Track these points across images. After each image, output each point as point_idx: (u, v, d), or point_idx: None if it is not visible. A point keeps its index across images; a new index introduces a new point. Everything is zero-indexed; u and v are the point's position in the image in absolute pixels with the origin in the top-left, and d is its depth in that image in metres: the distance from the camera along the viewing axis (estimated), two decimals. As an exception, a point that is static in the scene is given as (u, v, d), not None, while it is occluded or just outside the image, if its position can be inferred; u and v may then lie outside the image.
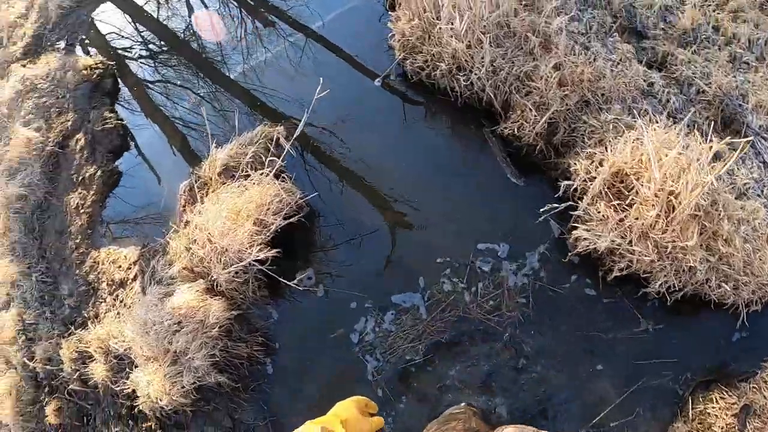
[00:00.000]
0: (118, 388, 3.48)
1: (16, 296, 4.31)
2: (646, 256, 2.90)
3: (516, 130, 3.51)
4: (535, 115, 3.39)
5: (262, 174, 3.40)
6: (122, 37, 5.70)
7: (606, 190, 3.08)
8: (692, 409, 2.79)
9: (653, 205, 2.88)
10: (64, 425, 3.79)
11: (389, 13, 4.38)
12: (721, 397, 2.78)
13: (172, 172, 4.43)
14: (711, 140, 2.98)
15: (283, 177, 3.56)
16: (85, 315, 3.94)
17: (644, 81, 3.63)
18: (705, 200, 2.87)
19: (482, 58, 3.53)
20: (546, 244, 3.31)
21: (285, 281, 3.23)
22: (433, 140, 3.94)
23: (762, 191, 3.24)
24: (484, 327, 3.11)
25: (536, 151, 3.52)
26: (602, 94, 3.49)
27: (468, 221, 3.49)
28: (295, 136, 3.51)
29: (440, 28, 3.63)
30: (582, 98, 3.47)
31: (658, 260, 2.91)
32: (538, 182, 3.55)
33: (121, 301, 3.79)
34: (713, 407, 2.76)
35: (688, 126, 3.26)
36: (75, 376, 3.74)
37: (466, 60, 3.63)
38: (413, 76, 4.04)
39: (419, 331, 3.15)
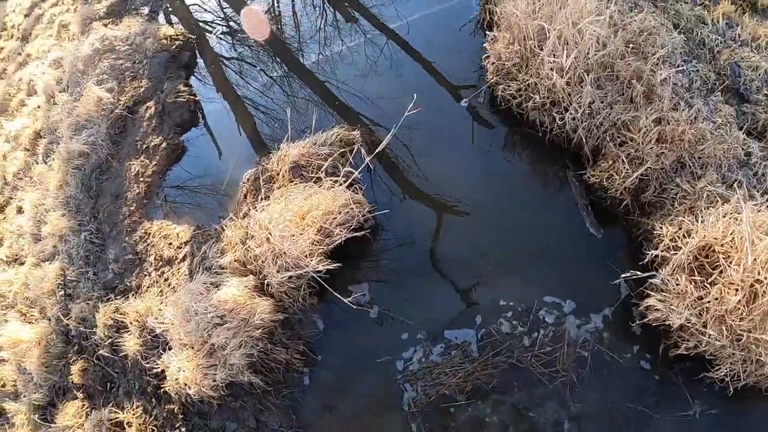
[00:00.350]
0: (147, 365, 3.45)
1: (62, 250, 4.32)
2: (717, 340, 2.69)
3: (604, 179, 3.33)
4: (627, 169, 3.20)
5: (336, 182, 3.28)
6: (205, 10, 5.69)
7: (689, 263, 2.88)
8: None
9: (737, 290, 2.66)
10: (86, 387, 3.78)
11: (486, 32, 4.19)
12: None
13: (238, 153, 4.38)
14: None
15: (355, 187, 3.43)
16: (128, 284, 3.92)
17: (742, 149, 3.40)
18: (789, 293, 2.65)
19: (581, 97, 3.35)
20: (612, 307, 3.12)
21: (340, 296, 3.10)
22: (512, 172, 3.78)
23: None
24: (535, 379, 2.96)
25: (621, 205, 3.33)
26: (699, 158, 3.28)
27: (538, 264, 3.33)
28: (376, 151, 3.37)
29: (542, 59, 3.45)
30: (679, 159, 3.26)
31: (729, 347, 2.70)
32: (616, 237, 3.37)
33: (165, 279, 3.75)
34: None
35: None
36: (106, 342, 3.72)
37: (562, 97, 3.45)
38: (502, 102, 3.87)
39: (467, 371, 3.01)
